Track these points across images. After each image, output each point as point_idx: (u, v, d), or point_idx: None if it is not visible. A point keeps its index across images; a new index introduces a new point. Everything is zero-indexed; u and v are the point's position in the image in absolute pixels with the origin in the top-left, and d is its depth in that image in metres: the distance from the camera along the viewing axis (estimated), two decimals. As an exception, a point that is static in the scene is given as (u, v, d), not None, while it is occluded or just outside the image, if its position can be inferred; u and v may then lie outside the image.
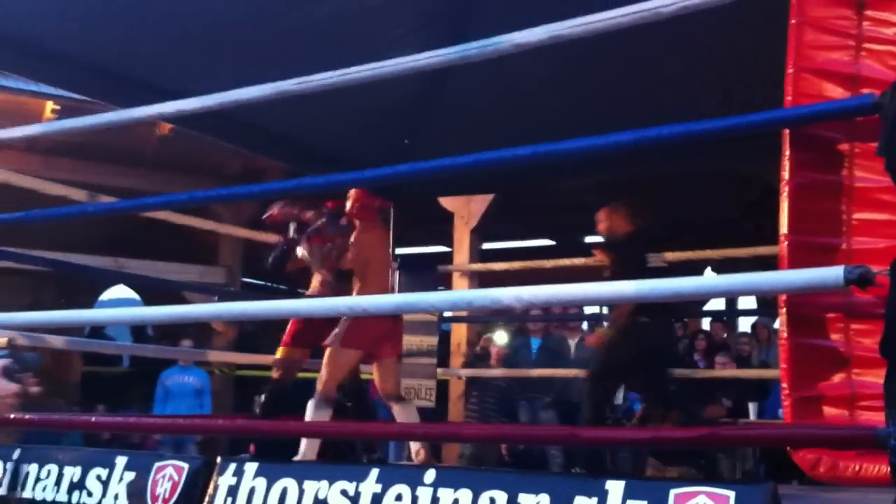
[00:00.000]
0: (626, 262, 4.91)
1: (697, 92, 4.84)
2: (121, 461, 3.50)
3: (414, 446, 5.01)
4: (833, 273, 2.53)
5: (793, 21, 2.93)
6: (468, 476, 2.90)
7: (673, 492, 2.51)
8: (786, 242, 2.82)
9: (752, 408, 7.01)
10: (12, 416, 4.13)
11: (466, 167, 3.52)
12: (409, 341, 6.58)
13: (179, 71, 5.17)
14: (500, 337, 7.17)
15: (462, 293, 5.05)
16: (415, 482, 2.86)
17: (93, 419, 5.06)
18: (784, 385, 2.81)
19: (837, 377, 2.79)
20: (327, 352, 4.85)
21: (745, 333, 8.68)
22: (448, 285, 7.42)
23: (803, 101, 2.86)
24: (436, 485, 2.83)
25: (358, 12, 4.97)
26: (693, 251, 6.94)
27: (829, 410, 2.78)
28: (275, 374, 5.40)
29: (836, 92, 2.87)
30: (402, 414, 4.98)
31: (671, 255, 6.50)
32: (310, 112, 5.81)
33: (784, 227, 2.83)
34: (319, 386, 4.77)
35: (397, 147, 6.17)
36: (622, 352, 5.01)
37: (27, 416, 4.13)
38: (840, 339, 2.79)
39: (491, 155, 3.42)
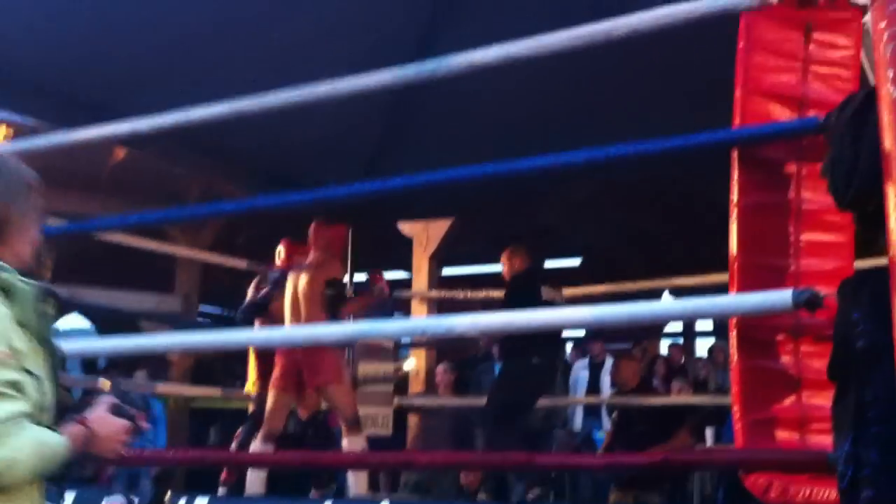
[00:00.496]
0: (522, 297, 5.18)
1: (648, 112, 4.87)
2: (69, 497, 3.41)
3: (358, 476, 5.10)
4: (782, 296, 2.53)
5: (741, 44, 2.94)
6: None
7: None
8: (735, 264, 2.81)
9: (709, 432, 7.00)
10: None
11: (427, 185, 3.51)
12: (367, 369, 6.51)
13: (135, 93, 5.12)
14: (409, 364, 7.13)
15: (417, 321, 5.02)
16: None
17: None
18: (735, 407, 2.78)
19: (788, 400, 2.78)
20: (332, 388, 5.10)
21: (701, 357, 8.71)
22: (407, 311, 7.36)
23: (751, 122, 2.87)
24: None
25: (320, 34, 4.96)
26: (652, 279, 6.97)
27: (780, 433, 2.76)
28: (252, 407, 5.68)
29: (783, 113, 2.89)
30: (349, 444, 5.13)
31: (632, 285, 6.53)
32: (269, 133, 5.77)
33: (733, 249, 2.82)
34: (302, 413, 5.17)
35: (356, 169, 6.15)
36: (518, 391, 5.31)
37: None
38: (790, 361, 2.78)
39: (451, 173, 3.40)
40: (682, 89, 4.91)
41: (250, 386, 5.85)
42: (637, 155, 3.00)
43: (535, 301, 5.05)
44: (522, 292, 5.29)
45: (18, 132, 8.10)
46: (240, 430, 5.72)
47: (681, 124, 3.02)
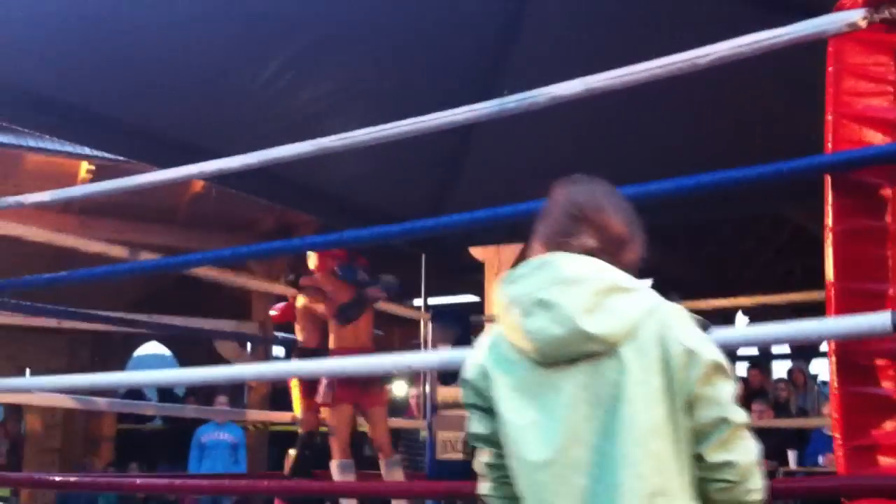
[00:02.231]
0: None
1: (734, 141, 4.86)
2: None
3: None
4: (881, 319, 2.51)
5: (830, 68, 2.95)
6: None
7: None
8: (832, 290, 2.80)
9: (791, 456, 6.91)
10: (54, 477, 4.14)
11: (499, 219, 3.53)
12: (444, 394, 6.56)
13: (212, 129, 5.26)
14: (399, 387, 7.17)
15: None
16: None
17: (137, 481, 5.05)
18: (836, 434, 2.77)
19: (890, 425, 2.75)
20: (327, 412, 5.31)
21: (781, 379, 8.59)
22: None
23: (843, 147, 2.86)
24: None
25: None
26: (725, 298, 6.90)
27: (883, 459, 2.73)
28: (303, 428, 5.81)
29: (875, 137, 2.87)
30: (386, 470, 5.39)
31: (704, 304, 6.49)
32: (343, 166, 5.88)
33: (830, 275, 2.81)
34: (334, 446, 5.23)
35: (429, 200, 6.22)
36: None
37: (69, 479, 4.14)
38: (891, 386, 2.76)
39: (523, 206, 3.41)
40: (758, 118, 4.89)
41: (296, 408, 5.96)
42: (732, 182, 3.00)
43: None
44: None
45: (100, 167, 8.38)
46: (290, 452, 5.79)
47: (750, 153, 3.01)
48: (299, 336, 6.05)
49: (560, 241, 1.68)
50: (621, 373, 1.54)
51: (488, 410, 1.65)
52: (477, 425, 1.69)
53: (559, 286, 1.59)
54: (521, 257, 6.02)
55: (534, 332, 1.58)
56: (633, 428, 1.51)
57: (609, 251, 1.69)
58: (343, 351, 5.35)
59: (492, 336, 1.71)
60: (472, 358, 1.71)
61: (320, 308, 5.71)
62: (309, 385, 5.52)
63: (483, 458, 1.72)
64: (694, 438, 1.55)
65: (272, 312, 6.45)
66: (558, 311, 1.56)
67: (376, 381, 5.50)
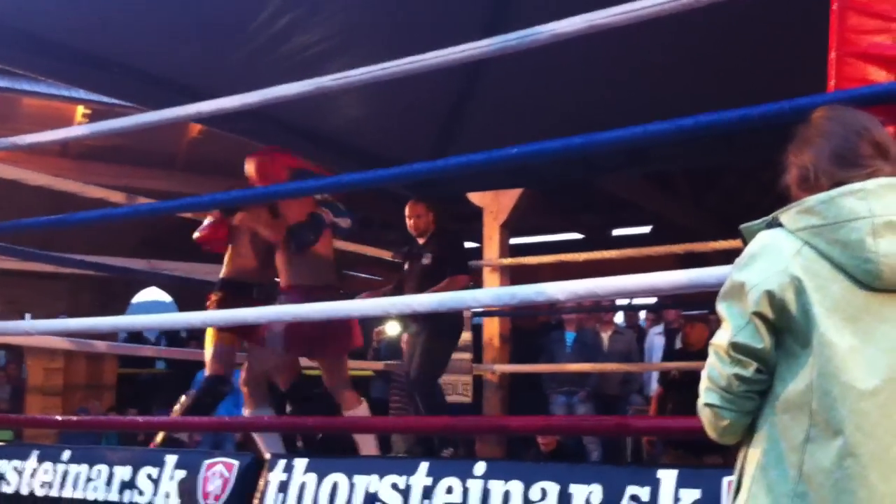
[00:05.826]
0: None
1: (735, 80, 4.81)
2: (171, 459, 3.54)
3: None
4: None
5: (834, 6, 2.91)
6: (518, 468, 2.91)
7: (725, 479, 2.51)
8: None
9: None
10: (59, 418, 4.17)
11: (501, 161, 3.49)
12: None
13: (209, 71, 5.21)
14: (392, 328, 7.10)
15: (506, 288, 5.01)
16: (465, 475, 2.88)
17: (140, 420, 5.10)
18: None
19: None
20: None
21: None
22: (478, 280, 7.43)
23: (847, 86, 2.84)
24: (486, 477, 2.84)
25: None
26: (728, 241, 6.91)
27: None
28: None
29: (880, 75, 2.85)
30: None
31: (705, 246, 6.51)
32: (344, 110, 5.84)
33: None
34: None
35: (431, 145, 6.19)
36: (443, 356, 5.34)
37: (72, 419, 4.18)
38: None
39: (524, 149, 3.37)
40: (760, 57, 4.84)
41: (209, 346, 5.01)
42: (731, 123, 2.97)
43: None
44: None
45: (96, 112, 8.34)
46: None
47: (756, 92, 2.98)
48: (227, 265, 4.93)
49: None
50: None
51: (776, 324, 1.57)
52: (754, 337, 1.58)
53: None
54: (521, 203, 5.97)
55: (885, 254, 1.54)
56: None
57: None
58: (302, 290, 4.55)
59: (790, 246, 1.61)
60: (771, 265, 1.59)
61: (264, 231, 4.72)
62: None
63: (734, 368, 1.60)
64: None
65: (195, 234, 5.01)
66: None
67: (338, 327, 4.58)
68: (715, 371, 1.64)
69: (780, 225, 1.65)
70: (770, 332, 1.58)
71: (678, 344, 7.32)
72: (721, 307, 1.65)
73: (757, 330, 1.58)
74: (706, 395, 1.65)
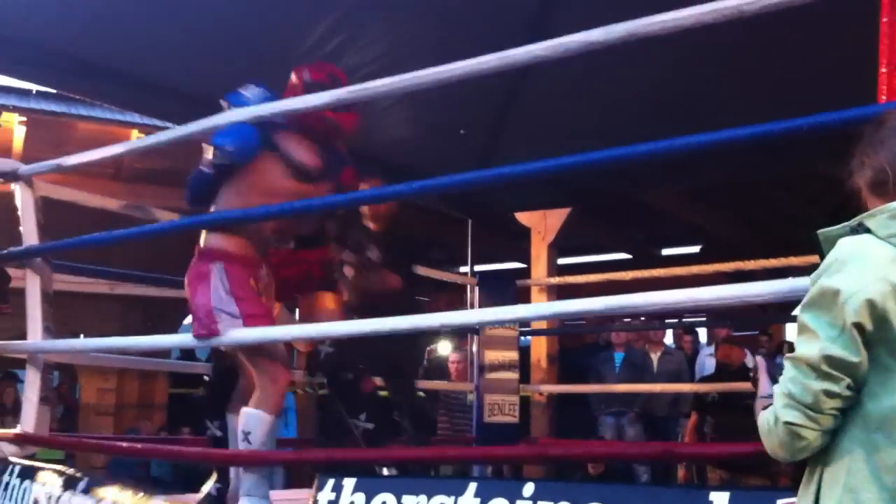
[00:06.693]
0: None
1: (781, 93, 4.77)
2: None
3: None
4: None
5: (884, 19, 2.87)
6: (567, 489, 2.88)
7: (780, 502, 2.46)
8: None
9: None
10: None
11: (544, 172, 3.46)
12: (492, 356, 6.58)
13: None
14: (444, 348, 7.01)
15: (549, 304, 4.99)
16: (514, 496, 2.85)
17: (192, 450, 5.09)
18: None
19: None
20: None
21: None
22: (527, 301, 7.40)
23: (899, 100, 2.79)
24: (534, 498, 2.82)
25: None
26: (777, 258, 6.81)
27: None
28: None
29: (931, 90, 2.80)
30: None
31: (753, 264, 6.41)
32: (386, 129, 5.86)
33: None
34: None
35: (472, 158, 6.20)
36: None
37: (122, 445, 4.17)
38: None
39: (568, 160, 3.33)
40: (806, 69, 4.79)
41: None
42: (780, 134, 2.93)
43: None
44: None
45: (151, 135, 8.47)
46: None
47: (804, 104, 2.93)
48: None
49: None
50: None
51: (872, 335, 1.49)
52: (849, 349, 1.49)
53: None
54: (568, 222, 5.93)
55: None
56: None
57: None
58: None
59: (884, 253, 1.53)
60: (868, 272, 1.50)
61: None
62: None
63: (824, 384, 1.50)
64: None
65: None
66: None
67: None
68: (798, 387, 1.52)
69: (866, 230, 1.57)
70: (865, 344, 1.49)
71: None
72: (806, 317, 1.55)
73: (853, 341, 1.49)
74: (785, 412, 1.54)
